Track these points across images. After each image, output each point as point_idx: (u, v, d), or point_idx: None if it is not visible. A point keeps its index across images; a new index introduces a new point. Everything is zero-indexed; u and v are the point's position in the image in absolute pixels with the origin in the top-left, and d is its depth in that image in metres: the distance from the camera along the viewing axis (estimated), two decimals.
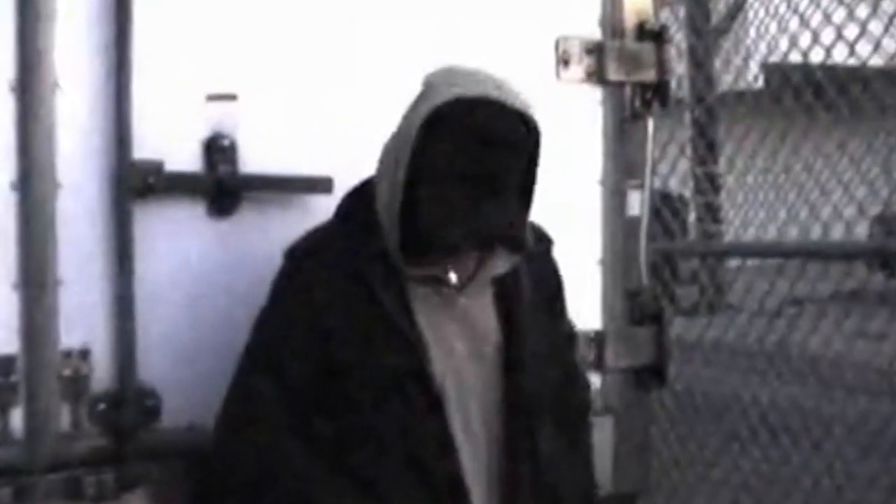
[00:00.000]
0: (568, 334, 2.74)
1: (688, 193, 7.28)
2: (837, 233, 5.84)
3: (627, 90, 3.39)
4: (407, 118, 2.40)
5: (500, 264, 2.47)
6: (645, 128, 3.44)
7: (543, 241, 2.63)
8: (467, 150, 2.31)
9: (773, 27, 6.68)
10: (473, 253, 2.43)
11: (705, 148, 7.60)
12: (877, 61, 5.18)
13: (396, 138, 2.41)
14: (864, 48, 5.01)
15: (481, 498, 2.42)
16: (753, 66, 7.35)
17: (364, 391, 2.38)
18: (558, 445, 2.54)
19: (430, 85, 2.40)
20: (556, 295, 2.64)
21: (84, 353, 2.62)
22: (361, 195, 2.48)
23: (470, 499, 2.39)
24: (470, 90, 2.33)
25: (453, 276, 2.43)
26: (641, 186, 3.44)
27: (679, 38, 6.74)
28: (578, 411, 2.69)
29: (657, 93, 3.41)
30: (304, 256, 2.47)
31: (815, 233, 5.96)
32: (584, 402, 2.75)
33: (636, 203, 3.42)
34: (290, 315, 2.44)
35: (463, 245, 2.37)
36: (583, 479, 2.66)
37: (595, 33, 3.31)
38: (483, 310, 2.48)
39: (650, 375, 3.43)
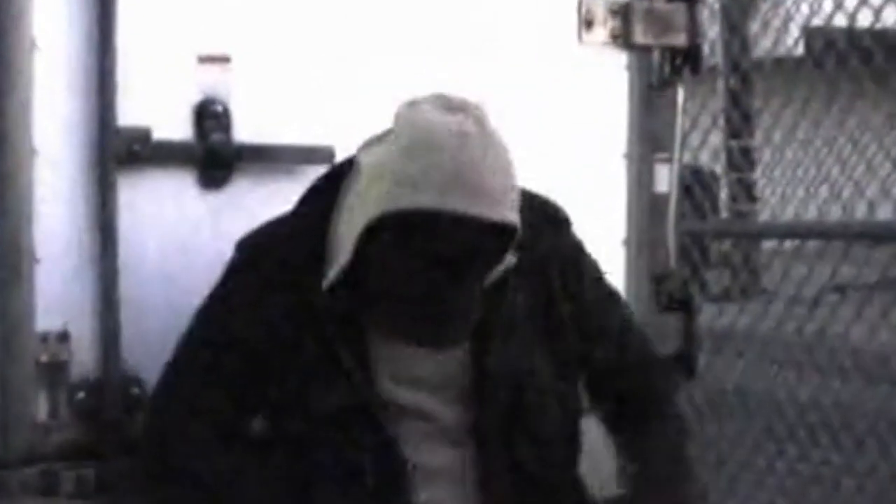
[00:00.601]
0: (604, 329, 2.60)
1: (720, 169, 7.28)
2: (885, 212, 5.85)
3: (655, 55, 3.39)
4: (368, 192, 2.29)
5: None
6: (674, 96, 3.44)
7: (556, 226, 2.57)
8: (414, 269, 2.25)
9: None
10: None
11: (740, 119, 7.60)
12: None
13: (357, 203, 2.33)
14: (891, 14, 5.01)
15: None
16: (794, 30, 7.34)
17: (298, 428, 2.40)
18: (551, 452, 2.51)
19: (391, 168, 2.25)
20: (576, 288, 2.54)
21: (63, 337, 2.63)
22: (326, 193, 2.45)
23: None
24: (435, 201, 2.18)
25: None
26: (670, 160, 3.45)
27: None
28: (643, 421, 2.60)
29: (688, 58, 3.41)
30: (251, 257, 2.47)
31: (860, 212, 5.97)
32: (650, 387, 2.65)
33: (664, 179, 3.43)
34: (225, 322, 2.45)
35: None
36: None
37: None
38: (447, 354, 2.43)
39: (677, 367, 3.45)
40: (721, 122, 7.18)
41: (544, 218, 2.53)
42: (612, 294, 2.66)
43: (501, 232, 2.23)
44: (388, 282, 2.29)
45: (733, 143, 7.63)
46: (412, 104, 2.31)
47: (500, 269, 2.35)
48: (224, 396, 2.42)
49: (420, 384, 2.43)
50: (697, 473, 2.59)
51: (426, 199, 2.18)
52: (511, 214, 2.23)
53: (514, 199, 2.25)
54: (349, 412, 2.36)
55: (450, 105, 2.27)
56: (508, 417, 2.42)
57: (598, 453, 2.73)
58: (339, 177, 2.46)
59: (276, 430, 2.44)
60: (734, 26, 7.43)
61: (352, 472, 2.36)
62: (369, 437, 2.37)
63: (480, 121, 2.25)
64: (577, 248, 2.59)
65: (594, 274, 2.61)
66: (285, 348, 2.38)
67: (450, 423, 2.44)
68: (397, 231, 2.23)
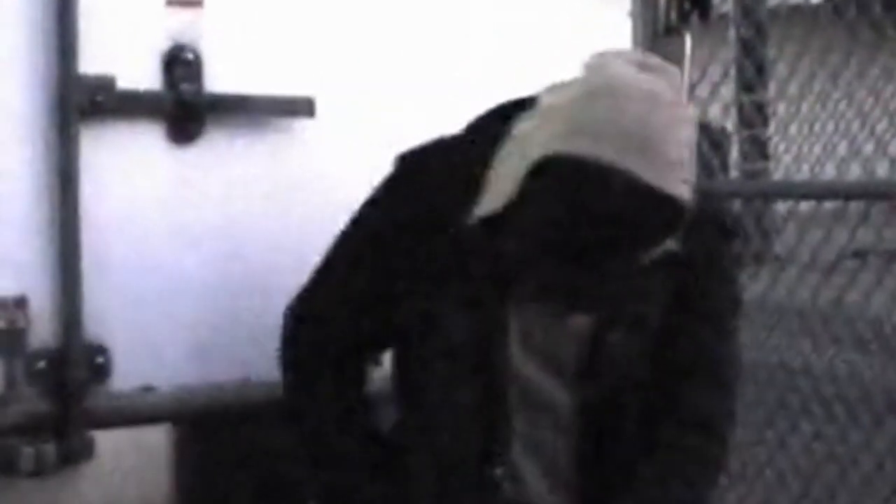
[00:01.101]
0: (688, 364, 2.52)
1: (731, 125, 7.28)
2: None
3: (661, 1, 3.39)
4: (523, 141, 2.30)
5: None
6: (681, 46, 3.45)
7: (719, 229, 2.52)
8: (569, 224, 2.19)
9: None
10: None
11: (753, 71, 7.58)
12: None
13: (521, 138, 2.32)
14: None
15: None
16: None
17: (421, 345, 2.47)
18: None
19: (559, 115, 2.24)
20: (687, 308, 2.48)
21: (20, 303, 2.62)
22: (494, 124, 2.42)
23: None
24: (599, 151, 2.14)
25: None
26: None
27: None
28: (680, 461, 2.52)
29: (696, 4, 3.42)
30: (410, 171, 2.51)
31: (882, 171, 5.97)
32: (698, 452, 2.53)
33: None
34: (371, 241, 2.53)
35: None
36: None
37: None
38: (576, 318, 2.43)
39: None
40: (732, 73, 7.16)
41: (715, 222, 2.51)
42: (720, 339, 2.55)
43: (669, 207, 2.18)
44: (541, 232, 2.24)
45: (745, 97, 7.61)
46: (603, 55, 2.28)
47: (656, 252, 2.28)
48: (364, 307, 2.53)
49: (535, 353, 2.45)
50: None
51: (602, 151, 2.14)
52: (686, 191, 2.17)
53: (692, 177, 2.20)
54: (471, 348, 2.41)
55: (645, 63, 2.23)
56: (612, 407, 2.46)
57: None
58: (511, 111, 2.42)
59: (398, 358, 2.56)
60: None
61: (457, 417, 2.44)
62: (481, 393, 2.42)
63: (675, 87, 2.23)
64: (728, 273, 2.58)
65: (721, 310, 2.55)
66: (426, 269, 2.43)
67: (553, 400, 2.47)
68: (563, 178, 2.18)
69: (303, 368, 2.60)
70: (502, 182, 2.30)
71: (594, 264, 2.22)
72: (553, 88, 2.30)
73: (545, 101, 2.30)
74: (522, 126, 2.33)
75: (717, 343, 2.53)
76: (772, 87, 7.67)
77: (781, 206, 7.61)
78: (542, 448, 2.48)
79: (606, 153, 2.13)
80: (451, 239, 2.38)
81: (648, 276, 2.32)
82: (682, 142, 2.18)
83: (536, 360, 2.46)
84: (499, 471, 2.44)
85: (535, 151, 2.21)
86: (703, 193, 2.29)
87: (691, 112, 2.26)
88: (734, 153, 7.61)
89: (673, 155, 2.15)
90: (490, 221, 2.32)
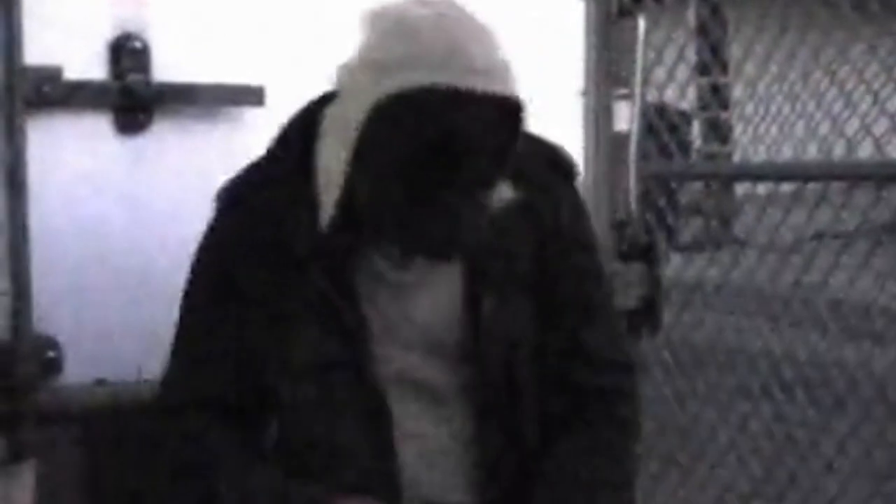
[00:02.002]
0: (592, 304, 2.51)
1: (688, 107, 7.30)
2: (865, 152, 5.88)
3: None
4: (349, 92, 2.27)
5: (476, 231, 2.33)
6: (635, 28, 3.46)
7: (561, 175, 2.52)
8: (417, 158, 2.18)
9: None
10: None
11: (709, 53, 7.62)
12: None
13: (340, 112, 2.29)
14: None
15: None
16: None
17: (286, 385, 2.39)
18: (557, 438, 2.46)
19: (378, 54, 2.23)
20: (568, 253, 2.48)
21: None
22: (304, 128, 2.40)
23: None
24: (430, 76, 2.15)
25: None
26: (631, 97, 3.47)
27: None
28: (587, 400, 2.50)
29: None
30: (229, 206, 2.43)
31: (839, 152, 6.00)
32: (600, 388, 2.50)
33: (624, 117, 3.46)
34: (206, 283, 2.43)
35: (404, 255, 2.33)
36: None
37: None
38: (442, 290, 2.41)
39: (641, 320, 3.48)
40: (690, 55, 7.19)
41: (553, 163, 2.50)
42: (598, 270, 2.57)
43: (507, 108, 2.19)
44: (388, 185, 2.22)
45: (703, 80, 7.65)
46: (377, 6, 2.28)
47: (501, 199, 2.31)
48: (227, 367, 2.41)
49: (411, 345, 2.40)
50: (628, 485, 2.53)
51: (418, 77, 2.14)
52: (513, 89, 2.19)
53: (512, 77, 2.21)
54: (338, 368, 2.36)
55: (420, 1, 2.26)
56: (504, 379, 2.40)
57: None
58: (312, 111, 2.40)
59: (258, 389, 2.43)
60: None
61: (337, 434, 2.38)
62: (357, 395, 2.36)
63: (456, 7, 2.25)
64: (580, 207, 2.55)
65: (588, 240, 2.55)
66: (272, 295, 2.36)
67: (440, 387, 2.42)
68: (390, 123, 2.18)
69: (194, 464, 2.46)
70: (332, 173, 2.28)
71: (455, 197, 2.21)
72: (345, 66, 2.29)
73: (339, 77, 2.29)
74: (332, 111, 2.32)
75: (599, 278, 2.55)
76: (730, 69, 7.71)
77: (740, 189, 7.65)
78: (427, 439, 2.41)
79: (419, 78, 2.14)
80: (291, 253, 2.34)
81: (506, 234, 2.36)
82: (484, 46, 2.20)
83: (415, 347, 2.40)
84: (385, 468, 2.37)
85: (357, 108, 2.20)
86: (529, 136, 2.30)
87: (477, 19, 2.26)
88: (695, 137, 7.65)
89: (481, 60, 2.17)
90: (336, 220, 2.31)
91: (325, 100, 2.37)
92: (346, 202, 2.28)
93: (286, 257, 2.33)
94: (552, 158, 2.50)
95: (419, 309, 2.38)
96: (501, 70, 2.20)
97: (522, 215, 2.38)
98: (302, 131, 2.39)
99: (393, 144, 2.19)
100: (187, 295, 2.44)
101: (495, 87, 2.16)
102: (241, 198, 2.41)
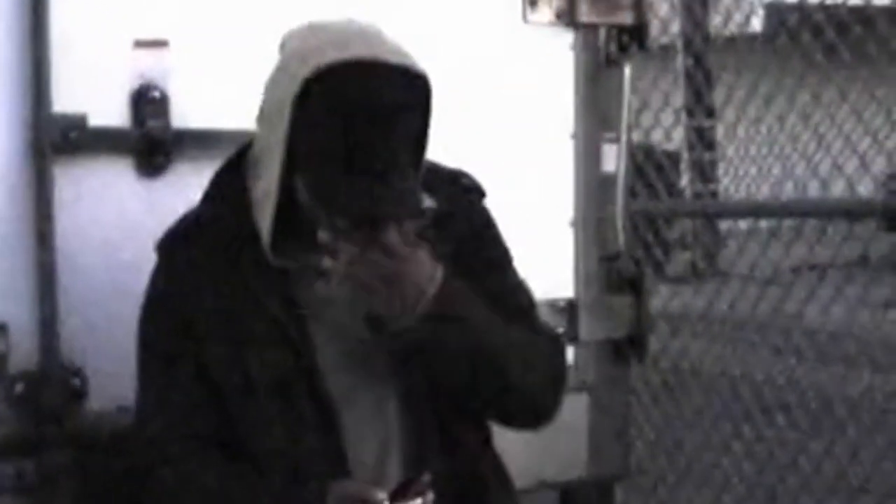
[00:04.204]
0: (515, 305, 2.53)
1: (673, 147, 7.31)
2: (837, 190, 5.89)
3: (601, 34, 3.41)
4: (272, 94, 2.35)
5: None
6: (621, 76, 3.47)
7: (471, 192, 2.55)
8: (344, 126, 2.24)
9: None
10: (361, 231, 2.30)
11: (693, 99, 7.64)
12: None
13: (266, 119, 2.37)
14: None
15: None
16: (747, 8, 7.38)
17: (241, 398, 2.39)
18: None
19: (292, 52, 2.35)
20: (486, 260, 2.52)
21: (1, 330, 2.63)
22: (234, 171, 2.46)
23: None
24: (340, 54, 2.25)
25: (328, 263, 2.30)
26: (617, 140, 3.47)
27: None
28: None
29: (634, 36, 3.44)
30: (173, 248, 2.46)
31: (813, 190, 6.00)
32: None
33: (612, 158, 3.45)
34: (161, 319, 2.45)
35: (351, 230, 2.29)
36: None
37: None
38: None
39: (629, 348, 3.48)
40: (676, 100, 7.21)
41: (461, 187, 2.53)
42: (518, 280, 2.58)
43: (421, 78, 2.29)
44: (323, 159, 2.27)
45: (689, 122, 7.66)
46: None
47: (423, 213, 2.34)
48: (197, 400, 2.41)
49: (354, 359, 2.41)
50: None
51: (329, 56, 2.24)
52: (416, 64, 2.29)
53: (414, 59, 2.31)
54: (289, 379, 2.37)
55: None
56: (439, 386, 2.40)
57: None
58: (235, 160, 2.48)
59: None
60: (688, 5, 7.46)
61: (296, 445, 2.37)
62: (310, 405, 2.37)
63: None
64: (491, 221, 2.56)
65: (500, 247, 2.56)
66: (223, 325, 2.38)
67: (386, 394, 2.42)
68: (322, 93, 2.25)
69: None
70: (272, 180, 2.31)
71: (384, 165, 2.25)
72: (268, 80, 2.40)
73: (267, 87, 2.38)
74: (258, 131, 2.40)
75: (517, 278, 2.56)
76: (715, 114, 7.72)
77: (725, 225, 7.66)
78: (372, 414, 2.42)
79: (330, 55, 2.25)
80: (237, 287, 2.37)
81: (428, 241, 2.36)
82: (388, 38, 2.33)
83: (352, 368, 2.41)
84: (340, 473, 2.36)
85: (285, 102, 2.27)
86: (436, 164, 2.42)
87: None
88: (685, 177, 7.66)
89: (387, 41, 2.31)
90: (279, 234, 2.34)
91: (244, 149, 2.46)
92: (285, 214, 2.31)
93: (235, 287, 2.37)
94: (461, 180, 2.54)
95: (360, 312, 2.36)
96: (407, 53, 2.30)
97: (440, 225, 2.39)
98: (230, 172, 2.46)
99: (320, 120, 2.25)
100: (144, 340, 2.48)
101: (403, 61, 2.27)
102: (186, 240, 2.45)
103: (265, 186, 2.34)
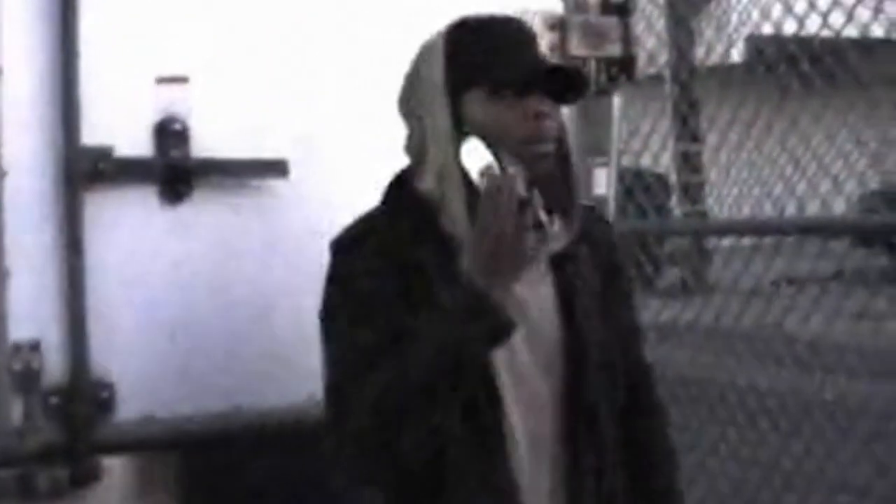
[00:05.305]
0: (633, 327, 2.54)
1: (662, 170, 7.32)
2: (813, 209, 5.89)
3: (592, 65, 3.42)
4: (415, 89, 2.35)
5: (557, 240, 2.33)
6: (611, 104, 3.47)
7: (602, 221, 2.57)
8: (493, 42, 2.30)
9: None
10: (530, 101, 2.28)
11: (679, 125, 7.65)
12: (851, 32, 5.24)
13: (416, 110, 2.33)
14: (837, 19, 5.07)
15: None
16: (728, 40, 7.40)
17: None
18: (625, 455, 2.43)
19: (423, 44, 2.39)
20: (619, 280, 2.48)
21: (35, 346, 2.63)
22: (402, 180, 2.37)
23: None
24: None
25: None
26: (608, 164, 3.47)
27: (653, 11, 6.76)
28: (652, 415, 2.55)
29: (623, 68, 3.44)
30: (350, 246, 2.32)
31: (791, 209, 6.00)
32: (658, 405, 2.59)
33: (603, 181, 3.45)
34: (349, 304, 2.26)
35: (532, 85, 2.28)
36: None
37: (557, 7, 3.33)
38: (541, 299, 2.33)
39: None
40: (664, 127, 7.22)
41: (597, 214, 2.59)
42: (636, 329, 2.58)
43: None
44: (484, 72, 2.28)
45: (678, 146, 7.68)
46: None
47: (571, 234, 2.35)
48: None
49: (513, 350, 2.28)
50: None
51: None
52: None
53: None
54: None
55: None
56: (598, 388, 2.35)
57: None
58: (407, 171, 2.39)
59: None
60: (674, 38, 7.47)
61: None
62: (482, 391, 2.23)
63: None
64: (621, 261, 2.55)
65: (632, 291, 2.60)
66: (407, 308, 2.22)
67: (541, 391, 2.32)
68: (472, 33, 2.31)
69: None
70: (448, 155, 2.27)
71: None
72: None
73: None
74: (408, 143, 2.38)
75: (635, 309, 2.60)
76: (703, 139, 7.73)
77: (710, 242, 7.66)
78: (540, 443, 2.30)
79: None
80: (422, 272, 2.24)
81: (580, 261, 2.37)
82: None
83: (524, 344, 2.29)
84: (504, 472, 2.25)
85: (435, 63, 2.33)
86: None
87: None
88: (674, 198, 7.67)
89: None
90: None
91: (400, 173, 2.40)
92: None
93: (417, 276, 2.24)
94: (595, 211, 2.60)
95: (524, 314, 2.27)
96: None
97: (588, 246, 2.39)
98: (395, 183, 2.39)
99: (471, 43, 2.31)
100: (335, 324, 2.28)
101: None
102: (366, 233, 2.32)
103: (440, 162, 2.27)
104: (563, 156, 2.37)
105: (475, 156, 2.22)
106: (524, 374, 2.30)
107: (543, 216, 2.15)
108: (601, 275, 2.43)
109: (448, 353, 2.14)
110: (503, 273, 2.13)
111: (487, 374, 2.23)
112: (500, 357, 2.24)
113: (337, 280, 2.31)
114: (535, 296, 2.32)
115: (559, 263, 2.36)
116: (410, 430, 2.17)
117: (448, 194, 2.26)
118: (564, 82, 2.33)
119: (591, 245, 2.41)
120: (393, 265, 2.25)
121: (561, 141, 2.36)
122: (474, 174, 2.21)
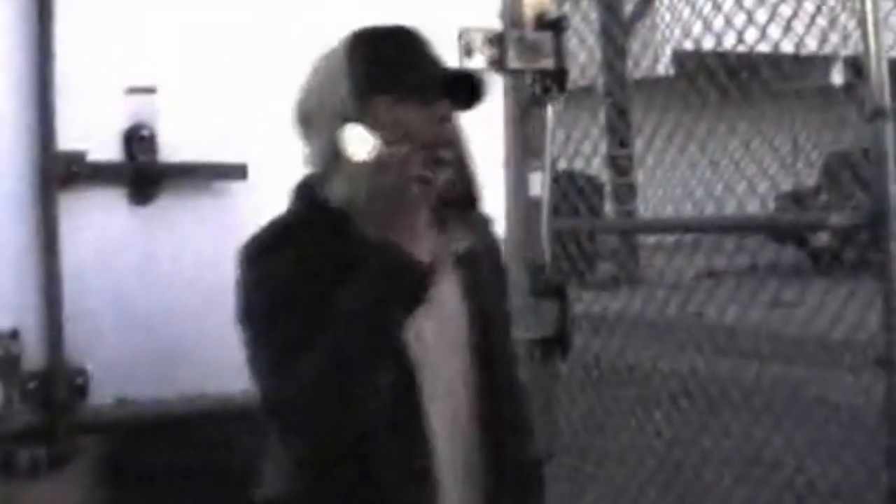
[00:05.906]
0: (509, 318, 2.53)
1: (593, 172, 7.37)
2: (730, 208, 5.95)
3: (528, 78, 3.45)
4: (319, 87, 2.28)
5: (460, 238, 2.31)
6: (544, 113, 3.50)
7: (487, 222, 2.49)
8: (387, 52, 2.25)
9: (673, 16, 6.81)
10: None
11: (609, 132, 7.70)
12: (763, 48, 5.31)
13: (317, 127, 2.26)
14: (752, 35, 5.14)
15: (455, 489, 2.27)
16: (654, 55, 7.45)
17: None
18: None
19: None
20: (502, 277, 2.49)
21: (14, 335, 2.63)
22: (308, 188, 2.30)
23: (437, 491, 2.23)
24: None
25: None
26: (543, 168, 3.50)
27: (585, 28, 6.79)
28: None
29: (556, 80, 3.47)
30: (268, 251, 2.23)
31: (709, 208, 6.07)
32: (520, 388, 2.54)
33: (538, 183, 3.49)
34: (276, 305, 2.18)
35: (428, 93, 2.22)
36: None
37: (495, 24, 3.36)
38: (449, 296, 2.30)
39: (554, 346, 3.50)
40: (594, 133, 7.26)
41: (483, 216, 2.47)
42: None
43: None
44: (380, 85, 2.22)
45: (609, 151, 7.73)
46: None
47: (470, 233, 2.32)
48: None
49: (425, 343, 2.25)
50: None
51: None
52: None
53: None
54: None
55: None
56: (502, 374, 2.35)
57: None
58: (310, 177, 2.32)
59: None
60: (604, 52, 7.52)
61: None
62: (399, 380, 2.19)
63: None
64: (501, 257, 2.53)
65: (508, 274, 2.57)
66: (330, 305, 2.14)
67: (454, 378, 2.29)
68: (370, 44, 2.28)
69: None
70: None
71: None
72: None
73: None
74: (311, 158, 2.31)
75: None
76: (636, 144, 7.78)
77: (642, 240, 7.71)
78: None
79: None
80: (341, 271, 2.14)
81: (477, 268, 2.34)
82: None
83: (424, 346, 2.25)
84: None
85: (337, 74, 2.26)
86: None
87: None
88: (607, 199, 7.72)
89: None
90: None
91: (303, 181, 2.32)
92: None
93: (341, 263, 2.15)
94: (482, 214, 2.47)
95: (435, 308, 2.21)
96: None
97: (483, 254, 2.37)
98: (304, 191, 2.31)
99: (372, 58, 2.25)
100: (272, 323, 2.18)
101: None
102: (282, 239, 2.24)
103: (352, 170, 2.18)
104: (462, 159, 2.31)
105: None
106: (437, 364, 2.26)
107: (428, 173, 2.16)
108: (491, 273, 2.41)
109: (370, 315, 2.09)
110: (400, 227, 2.11)
111: (403, 362, 2.19)
112: (414, 347, 2.21)
113: (260, 284, 2.20)
114: (442, 293, 2.25)
115: (463, 263, 2.32)
116: (336, 404, 2.10)
117: (362, 198, 2.18)
118: (467, 88, 2.29)
119: (483, 245, 2.40)
120: (310, 271, 2.16)
121: (459, 144, 2.31)
122: None
